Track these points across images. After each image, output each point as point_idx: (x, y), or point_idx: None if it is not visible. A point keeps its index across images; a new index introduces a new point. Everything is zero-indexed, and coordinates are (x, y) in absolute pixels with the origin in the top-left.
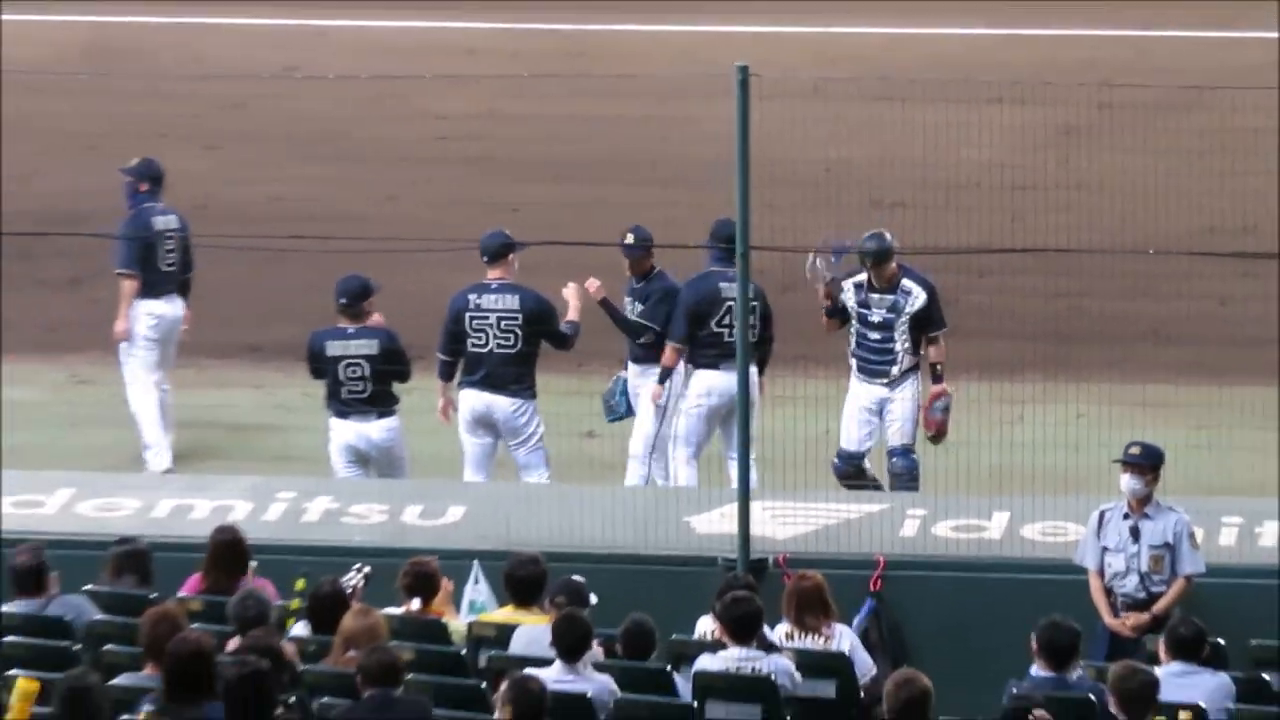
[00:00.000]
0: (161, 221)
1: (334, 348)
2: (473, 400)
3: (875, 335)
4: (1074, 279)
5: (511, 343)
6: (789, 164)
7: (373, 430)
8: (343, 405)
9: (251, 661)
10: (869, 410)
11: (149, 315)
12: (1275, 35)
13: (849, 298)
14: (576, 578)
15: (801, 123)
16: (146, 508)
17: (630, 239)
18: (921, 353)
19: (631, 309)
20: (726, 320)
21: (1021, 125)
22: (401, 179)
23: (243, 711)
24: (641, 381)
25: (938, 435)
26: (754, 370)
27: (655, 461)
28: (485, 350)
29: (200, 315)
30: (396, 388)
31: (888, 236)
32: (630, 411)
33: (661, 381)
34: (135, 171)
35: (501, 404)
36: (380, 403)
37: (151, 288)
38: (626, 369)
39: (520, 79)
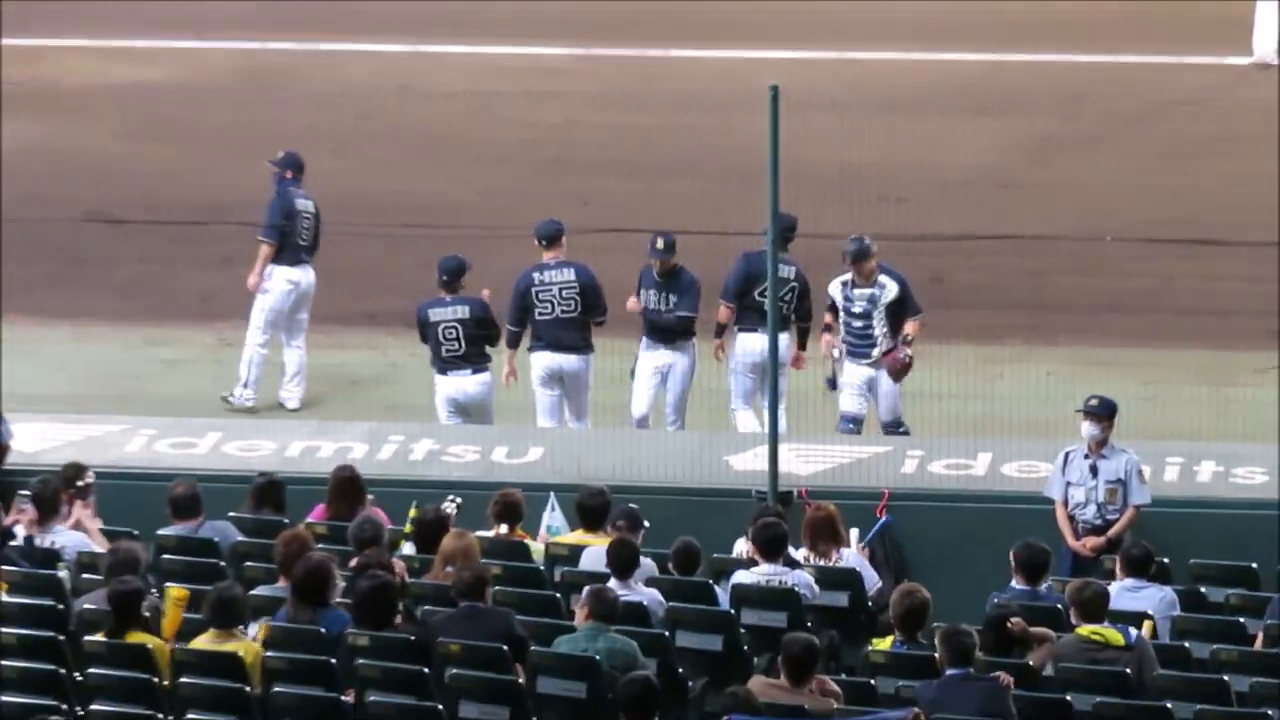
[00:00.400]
0: (301, 204)
1: (435, 314)
2: (546, 360)
3: (858, 323)
4: (1046, 260)
5: (572, 309)
6: (811, 165)
7: (468, 384)
8: (443, 363)
9: (381, 575)
10: (861, 385)
11: (287, 281)
12: (1216, 60)
13: (836, 293)
14: (632, 505)
15: (821, 131)
16: (281, 448)
17: (661, 243)
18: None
19: (658, 298)
20: (767, 293)
21: (1004, 133)
22: (495, 176)
23: (371, 616)
24: (649, 356)
25: (898, 375)
26: (788, 337)
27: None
28: (550, 318)
29: (329, 288)
30: (488, 349)
31: (866, 240)
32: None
33: (717, 336)
34: (281, 162)
35: (571, 361)
36: (473, 360)
37: (289, 256)
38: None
39: (593, 95)
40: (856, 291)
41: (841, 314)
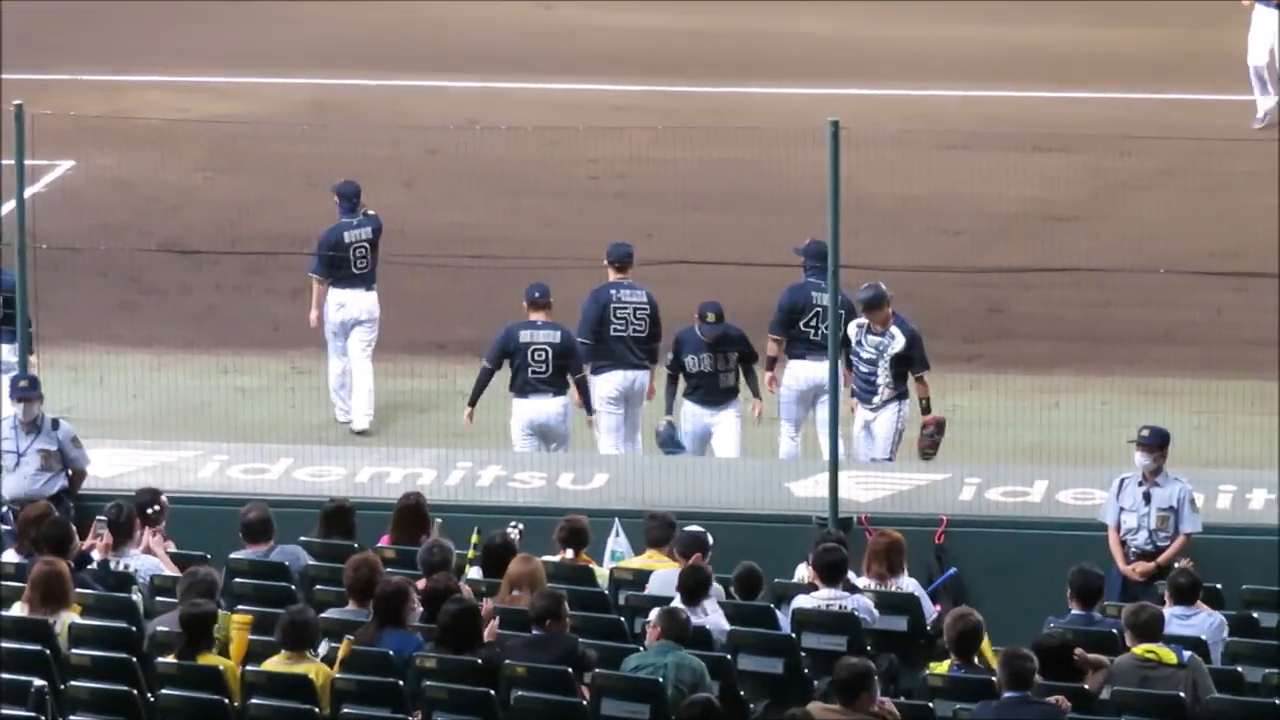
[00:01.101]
0: (350, 234)
1: (526, 336)
2: (618, 380)
3: (864, 368)
4: (1100, 292)
5: (644, 329)
6: (870, 198)
7: (551, 407)
8: (526, 386)
9: (466, 600)
10: (864, 428)
11: (336, 303)
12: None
13: (852, 333)
14: (696, 529)
15: (881, 165)
16: (350, 474)
17: (711, 316)
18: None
19: (713, 361)
20: (813, 321)
21: (1059, 168)
22: (559, 210)
23: (456, 639)
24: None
25: (925, 454)
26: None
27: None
28: (625, 334)
29: (397, 318)
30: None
31: (882, 286)
32: (683, 448)
33: (769, 369)
34: (335, 190)
35: (641, 378)
36: (555, 385)
37: (341, 282)
38: (671, 413)
39: (656, 130)
40: (869, 338)
41: (853, 356)
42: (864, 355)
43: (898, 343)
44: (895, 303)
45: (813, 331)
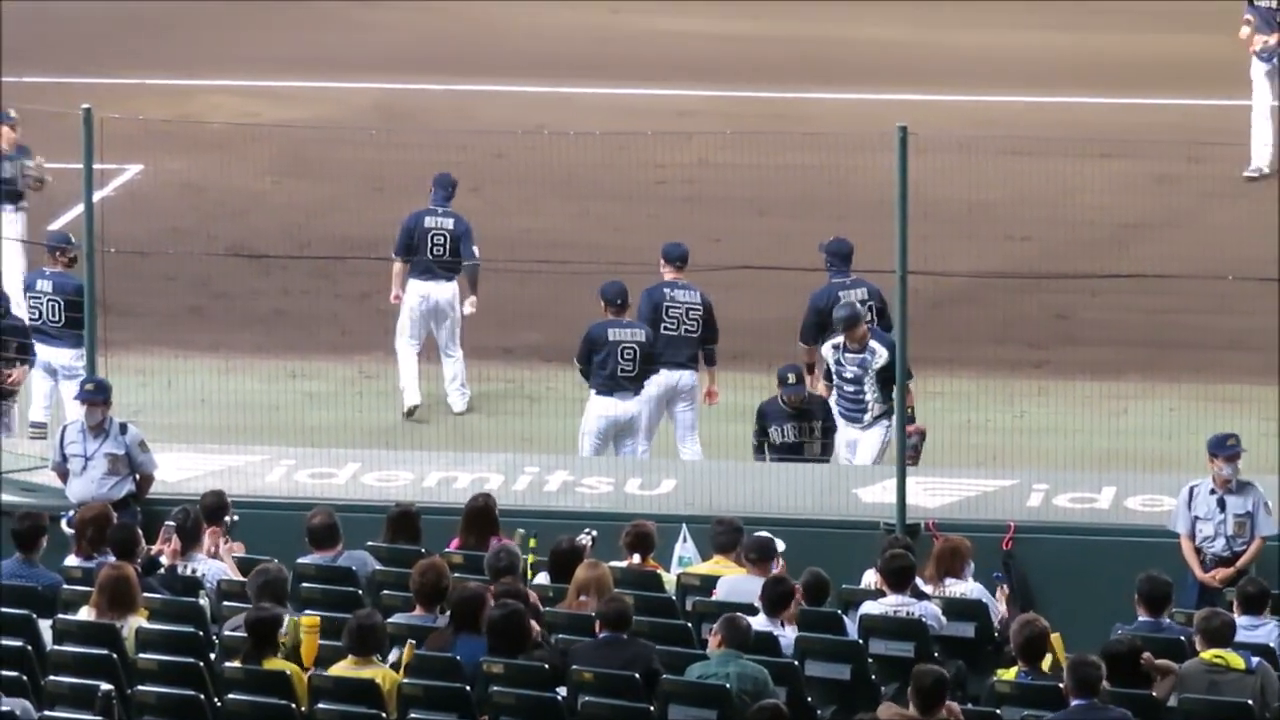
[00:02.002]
0: (430, 221)
1: (615, 334)
2: (662, 379)
3: (850, 388)
4: (1168, 298)
5: (695, 329)
6: (939, 204)
7: (633, 406)
8: (613, 382)
9: (511, 603)
10: (848, 446)
11: (417, 294)
12: None
13: (829, 356)
14: (765, 535)
15: (949, 171)
16: (418, 479)
17: (792, 378)
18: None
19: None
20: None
21: (1128, 174)
22: (627, 215)
23: (504, 643)
24: None
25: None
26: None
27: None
28: (676, 334)
29: (465, 323)
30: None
31: (857, 306)
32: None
33: (826, 378)
34: (435, 179)
35: (686, 378)
36: (639, 382)
37: (419, 272)
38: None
39: (725, 135)
40: (848, 356)
41: (835, 378)
42: (847, 375)
43: (880, 356)
44: (960, 307)
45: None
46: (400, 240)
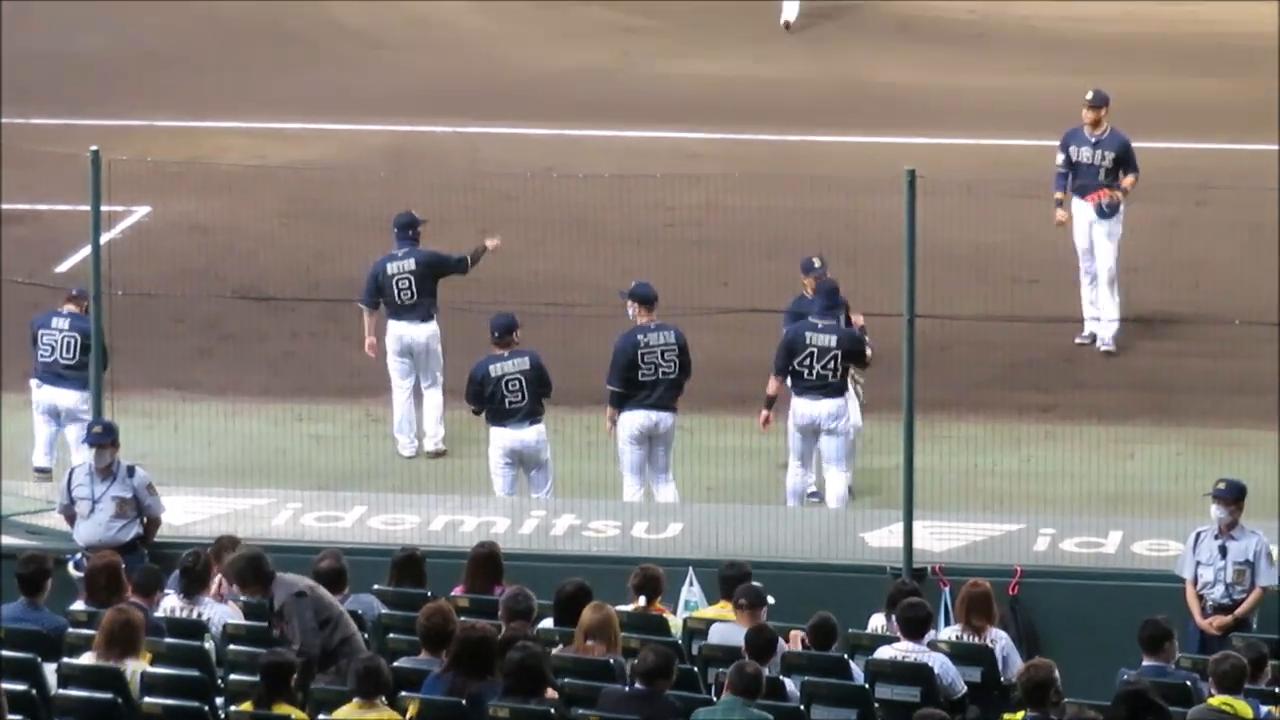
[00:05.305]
0: (392, 267)
1: (496, 369)
2: (641, 419)
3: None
4: (1174, 341)
5: (672, 370)
6: (946, 247)
7: (528, 434)
8: (504, 414)
9: (530, 646)
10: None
11: (392, 336)
12: None
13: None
14: (755, 584)
15: (957, 214)
16: (424, 522)
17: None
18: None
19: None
20: (806, 361)
21: (1134, 217)
22: (636, 257)
23: (523, 686)
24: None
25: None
26: (843, 401)
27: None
28: (654, 378)
29: (472, 365)
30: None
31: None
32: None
33: (767, 407)
34: (393, 220)
35: (666, 419)
36: (532, 412)
37: (392, 314)
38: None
39: (733, 177)
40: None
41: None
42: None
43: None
44: (968, 350)
45: (806, 371)
46: (366, 287)
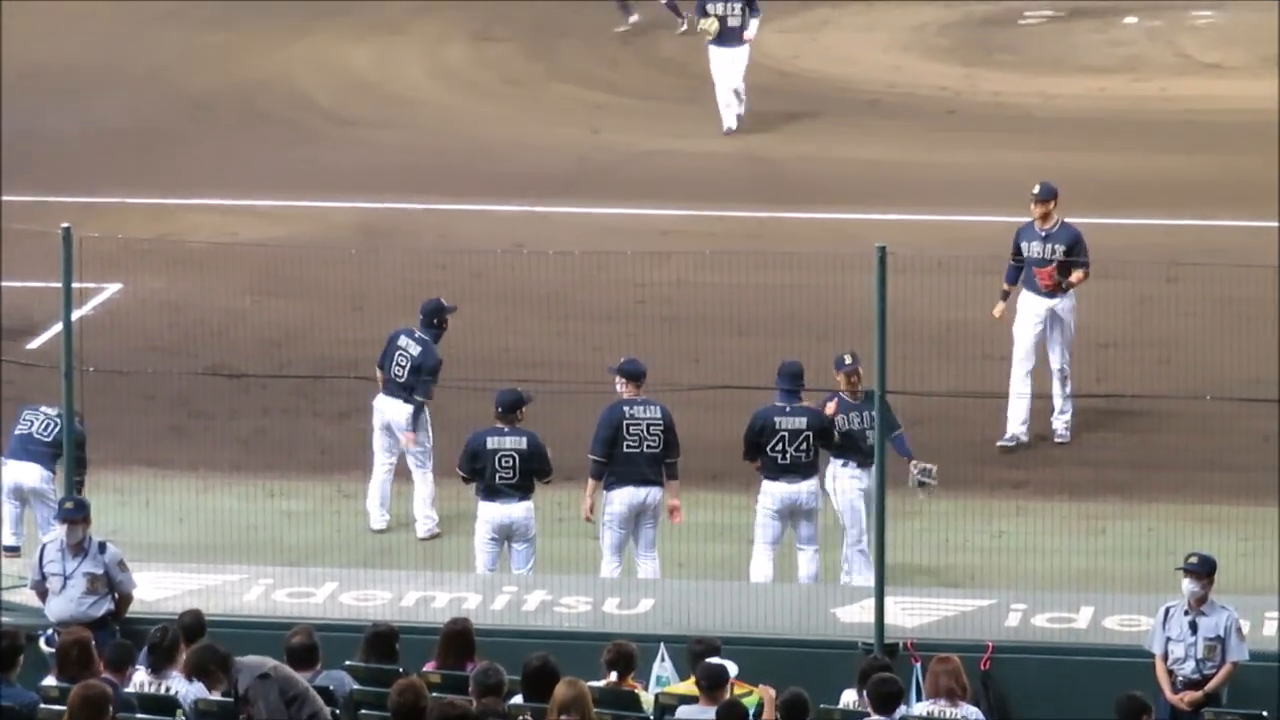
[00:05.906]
0: (402, 341)
1: (492, 443)
2: (628, 496)
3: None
4: (1146, 418)
5: (657, 444)
6: (917, 324)
7: (515, 510)
8: (494, 490)
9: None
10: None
11: (375, 409)
12: None
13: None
14: (714, 663)
15: (927, 290)
16: (396, 598)
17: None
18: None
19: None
20: (778, 445)
21: (1105, 294)
22: (606, 334)
23: None
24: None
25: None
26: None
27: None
28: (638, 451)
29: (444, 442)
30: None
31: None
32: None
33: None
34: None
35: (654, 494)
36: (523, 489)
37: (386, 389)
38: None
39: (704, 254)
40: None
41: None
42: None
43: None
44: (939, 426)
45: (780, 455)
46: (383, 351)
